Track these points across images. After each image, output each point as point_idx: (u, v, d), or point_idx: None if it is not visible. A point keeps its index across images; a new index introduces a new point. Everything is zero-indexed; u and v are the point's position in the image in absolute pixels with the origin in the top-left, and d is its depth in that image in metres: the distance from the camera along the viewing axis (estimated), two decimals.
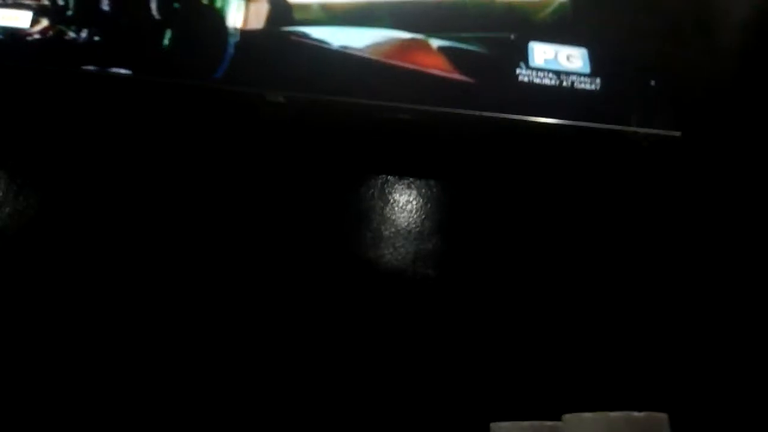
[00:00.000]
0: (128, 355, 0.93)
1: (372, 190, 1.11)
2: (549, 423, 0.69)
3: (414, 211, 1.11)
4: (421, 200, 1.11)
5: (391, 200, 1.11)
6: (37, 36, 1.02)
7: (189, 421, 0.91)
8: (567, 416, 0.59)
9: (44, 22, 1.03)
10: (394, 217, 1.09)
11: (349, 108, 1.08)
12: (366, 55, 1.09)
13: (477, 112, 1.10)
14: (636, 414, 0.56)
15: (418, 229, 1.09)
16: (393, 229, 1.09)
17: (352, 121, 1.10)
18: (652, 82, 1.18)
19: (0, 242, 0.98)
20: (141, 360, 0.93)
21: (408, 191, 1.12)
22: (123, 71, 1.01)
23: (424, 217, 1.10)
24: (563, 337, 1.04)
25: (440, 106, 1.10)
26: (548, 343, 1.03)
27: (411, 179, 1.13)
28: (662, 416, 0.56)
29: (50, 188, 1.02)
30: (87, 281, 0.97)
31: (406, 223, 1.09)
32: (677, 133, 1.14)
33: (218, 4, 1.08)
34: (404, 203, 1.11)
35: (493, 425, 0.72)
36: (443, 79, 1.10)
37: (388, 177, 1.12)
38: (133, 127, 1.06)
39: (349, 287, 1.03)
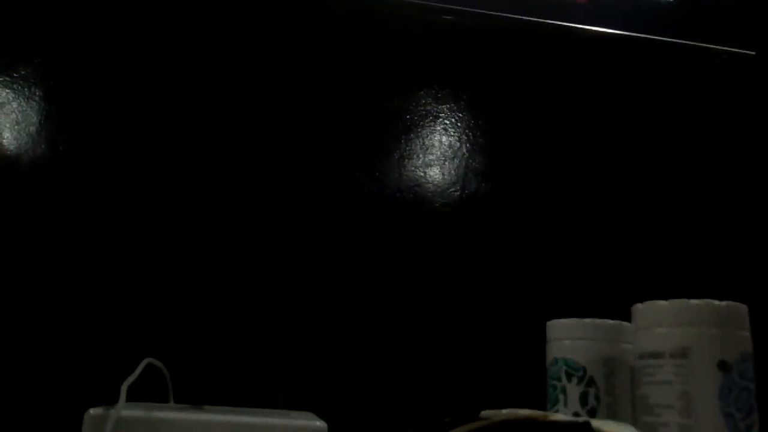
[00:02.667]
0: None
1: (420, 102, 1.07)
2: (610, 321, 0.67)
3: (461, 127, 1.07)
4: (468, 115, 1.08)
5: (439, 114, 1.07)
6: None
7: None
8: (639, 305, 0.57)
9: None
10: (441, 133, 1.06)
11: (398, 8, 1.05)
12: None
13: (533, 19, 1.06)
14: (716, 302, 0.53)
15: (466, 145, 1.06)
16: (444, 145, 1.05)
17: (403, 24, 1.07)
18: None
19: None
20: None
21: (455, 105, 1.08)
22: None
23: (472, 134, 1.07)
24: (620, 236, 1.01)
25: (496, 10, 1.06)
26: (605, 242, 1.01)
27: (466, 93, 1.09)
28: (742, 306, 0.54)
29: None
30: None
31: (455, 139, 1.06)
32: (751, 53, 1.08)
33: None
34: (456, 118, 1.07)
35: (549, 323, 0.70)
36: None
37: (436, 88, 1.08)
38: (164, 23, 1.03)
39: (392, 205, 1.00)
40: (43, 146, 0.95)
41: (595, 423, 0.34)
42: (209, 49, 1.01)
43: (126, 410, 0.54)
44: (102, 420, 0.53)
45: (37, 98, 0.97)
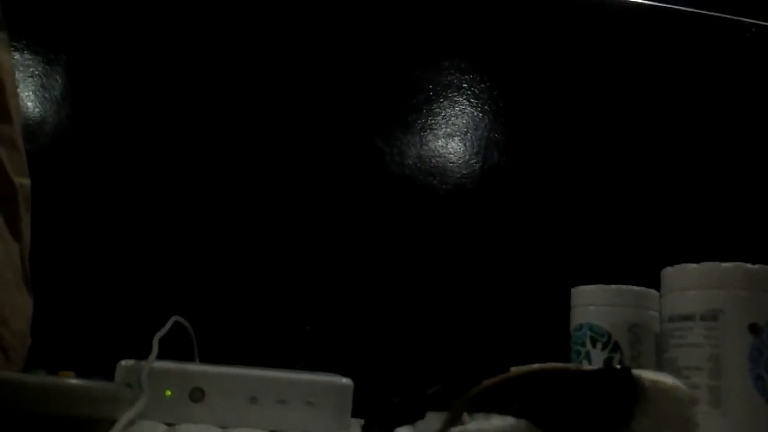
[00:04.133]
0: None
1: (443, 73, 1.06)
2: (636, 287, 0.67)
3: (483, 98, 1.06)
4: (491, 86, 1.07)
5: (461, 85, 1.06)
6: None
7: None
8: (669, 269, 0.57)
9: None
10: (463, 104, 1.05)
11: None
12: None
13: None
14: (748, 265, 0.53)
15: (489, 116, 1.05)
16: (463, 116, 1.05)
17: None
18: None
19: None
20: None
21: (478, 76, 1.07)
22: None
23: (495, 105, 1.06)
24: (645, 204, 1.01)
25: None
26: (629, 210, 1.00)
27: (489, 63, 1.08)
28: None
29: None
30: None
31: (477, 110, 1.05)
32: None
33: None
34: (479, 89, 1.06)
35: (574, 290, 0.70)
36: None
37: (459, 59, 1.07)
38: None
39: (414, 175, 1.00)
40: (67, 111, 0.96)
41: (636, 371, 0.34)
42: (234, 18, 1.01)
43: (156, 363, 0.55)
44: (133, 371, 0.53)
45: (61, 65, 0.98)
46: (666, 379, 0.34)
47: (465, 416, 0.39)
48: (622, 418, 0.33)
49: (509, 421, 0.34)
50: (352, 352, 0.91)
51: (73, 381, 0.34)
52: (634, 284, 0.68)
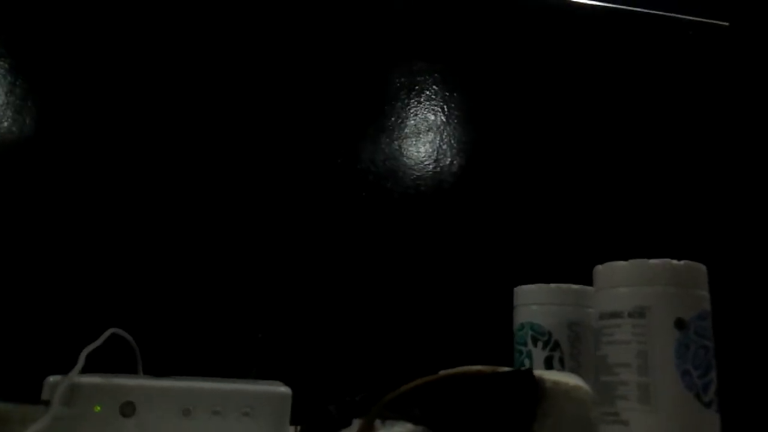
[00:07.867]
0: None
1: (400, 76, 1.06)
2: (575, 286, 0.67)
3: (436, 100, 1.06)
4: (443, 88, 1.07)
5: (413, 87, 1.06)
6: None
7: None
8: (599, 267, 0.57)
9: None
10: (415, 106, 1.06)
11: None
12: None
13: None
14: (675, 262, 0.53)
15: (441, 118, 1.05)
16: (419, 118, 1.05)
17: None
18: None
19: None
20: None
21: (430, 77, 1.07)
22: None
23: (447, 106, 1.06)
24: (585, 201, 1.02)
25: None
26: (571, 208, 1.01)
27: (441, 65, 1.08)
28: (701, 266, 0.54)
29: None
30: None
31: (429, 112, 1.05)
32: (724, 23, 1.08)
33: None
34: (431, 91, 1.07)
35: (516, 289, 0.71)
36: None
37: (411, 61, 1.07)
38: None
39: (374, 176, 1.00)
40: (8, 121, 0.94)
41: (538, 372, 0.34)
42: (178, 28, 1.00)
43: (83, 377, 0.54)
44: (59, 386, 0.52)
45: (2, 72, 0.96)
46: (568, 379, 0.34)
47: (378, 423, 0.39)
48: (524, 419, 0.33)
49: (408, 427, 0.34)
50: (297, 357, 0.90)
51: None
52: (576, 282, 0.68)
